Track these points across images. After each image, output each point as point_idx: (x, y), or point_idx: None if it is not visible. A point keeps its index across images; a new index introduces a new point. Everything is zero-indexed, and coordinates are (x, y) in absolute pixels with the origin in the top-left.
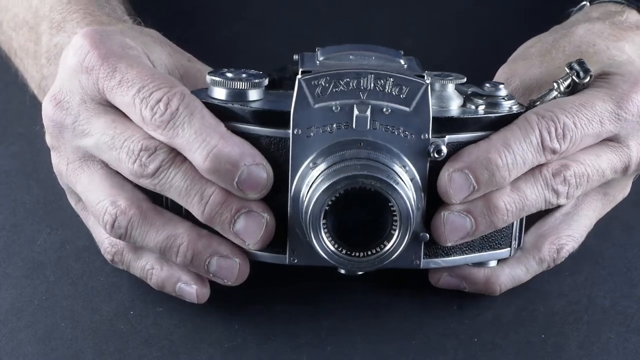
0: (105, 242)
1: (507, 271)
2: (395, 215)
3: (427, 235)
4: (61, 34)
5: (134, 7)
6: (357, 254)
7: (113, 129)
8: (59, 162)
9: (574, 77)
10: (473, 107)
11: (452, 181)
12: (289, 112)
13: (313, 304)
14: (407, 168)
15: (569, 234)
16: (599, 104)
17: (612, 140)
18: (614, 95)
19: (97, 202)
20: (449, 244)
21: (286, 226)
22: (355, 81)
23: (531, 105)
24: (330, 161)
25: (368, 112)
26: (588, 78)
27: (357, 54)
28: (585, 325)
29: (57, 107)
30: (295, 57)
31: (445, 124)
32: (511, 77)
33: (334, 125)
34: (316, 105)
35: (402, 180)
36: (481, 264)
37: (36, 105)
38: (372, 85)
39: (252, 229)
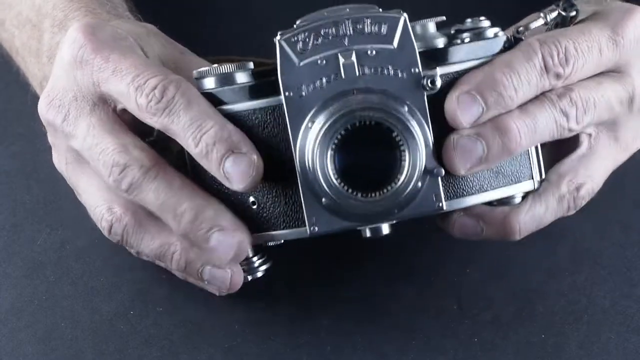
0: None
1: (525, 208)
2: (402, 145)
3: (442, 169)
4: (63, 32)
5: (135, 5)
6: (373, 194)
7: (92, 137)
8: (59, 161)
9: (560, 11)
10: (459, 41)
11: (460, 103)
12: (277, 79)
13: (313, 304)
14: (406, 107)
15: (587, 174)
16: (595, 31)
17: (613, 70)
18: (609, 22)
19: (95, 207)
20: (462, 172)
21: (299, 196)
22: (334, 29)
23: (518, 33)
24: (327, 115)
25: (353, 58)
26: (574, 12)
27: (331, 10)
28: (585, 325)
29: (49, 106)
30: (279, 33)
31: (433, 56)
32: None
33: (324, 79)
34: (301, 63)
35: (404, 114)
36: (505, 203)
37: (37, 104)
38: (351, 30)
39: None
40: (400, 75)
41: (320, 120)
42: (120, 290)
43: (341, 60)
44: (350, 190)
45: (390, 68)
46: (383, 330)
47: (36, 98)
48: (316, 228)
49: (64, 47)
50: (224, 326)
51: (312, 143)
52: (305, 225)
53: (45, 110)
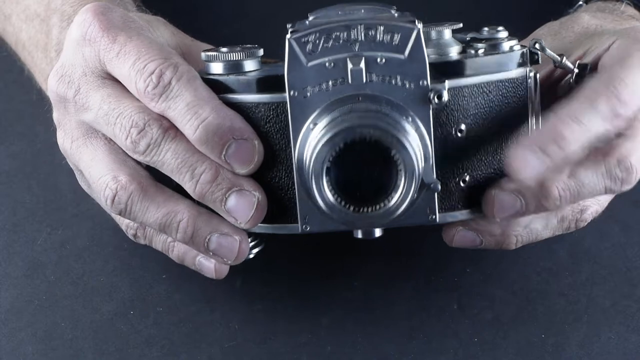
0: (126, 219)
1: (524, 222)
2: (399, 165)
3: (439, 184)
4: None
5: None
6: (365, 209)
7: (108, 104)
8: (64, 140)
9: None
10: (473, 51)
11: (518, 158)
12: (283, 75)
13: (313, 304)
14: (410, 118)
15: (595, 198)
16: (636, 62)
17: None
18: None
19: (98, 177)
20: (498, 220)
21: (294, 193)
22: (345, 33)
23: (535, 47)
24: (329, 119)
25: (362, 65)
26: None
27: (346, 9)
28: (585, 325)
29: (60, 81)
30: (289, 25)
31: (443, 69)
32: None
33: (330, 82)
34: (309, 64)
35: (404, 129)
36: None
37: (43, 101)
38: (363, 36)
39: (243, 208)
40: (407, 86)
41: (322, 124)
42: (120, 290)
43: (349, 65)
44: (343, 203)
45: (398, 78)
46: (383, 330)
47: (42, 93)
48: (308, 227)
49: (74, 25)
50: (224, 326)
51: (310, 149)
52: (297, 222)
53: (55, 85)
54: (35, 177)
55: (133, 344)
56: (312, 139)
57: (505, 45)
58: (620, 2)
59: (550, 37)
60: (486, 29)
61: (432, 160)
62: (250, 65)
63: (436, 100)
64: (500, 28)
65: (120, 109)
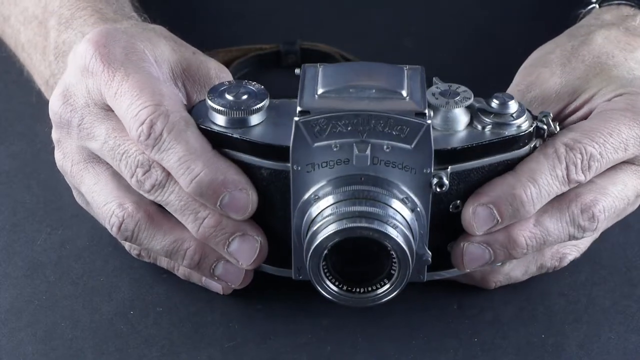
0: None
1: (505, 270)
2: (394, 261)
3: (430, 256)
4: (69, 31)
5: (140, 4)
6: (358, 289)
7: (113, 139)
8: (63, 162)
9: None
10: (479, 127)
11: (476, 215)
12: (288, 147)
13: (313, 304)
14: (409, 200)
15: (574, 244)
16: (625, 131)
17: (633, 163)
18: (639, 119)
19: (103, 204)
20: (468, 271)
21: (290, 244)
22: (355, 121)
23: (541, 121)
24: (331, 199)
25: (368, 151)
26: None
27: (358, 86)
28: (585, 325)
29: (65, 104)
30: (297, 71)
31: (447, 156)
32: (531, 85)
33: (334, 161)
34: (315, 144)
35: (402, 220)
36: None
37: (43, 102)
38: (372, 125)
39: (245, 251)
40: (410, 172)
41: (322, 203)
42: (120, 290)
43: (355, 151)
44: (337, 283)
45: (402, 164)
46: (383, 330)
47: (41, 96)
48: (301, 277)
49: (77, 54)
50: (224, 326)
51: (309, 225)
52: (291, 269)
53: (59, 107)
54: (35, 177)
55: (133, 344)
56: (311, 213)
57: (513, 125)
58: (634, 7)
59: (560, 67)
60: (495, 100)
61: (426, 236)
62: (255, 119)
63: (438, 188)
64: (510, 102)
65: (125, 146)
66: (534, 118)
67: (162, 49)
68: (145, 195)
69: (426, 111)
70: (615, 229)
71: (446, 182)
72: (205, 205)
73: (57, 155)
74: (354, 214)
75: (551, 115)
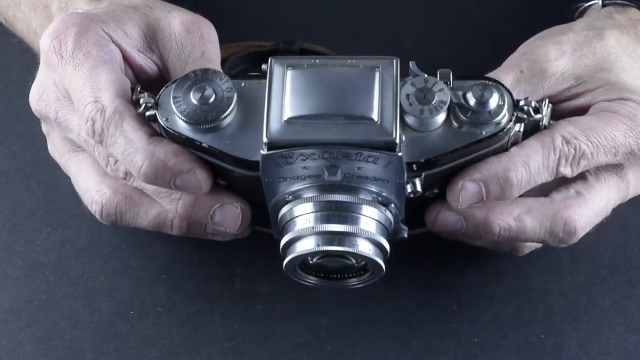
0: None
1: (518, 217)
2: (368, 268)
3: (406, 232)
4: None
5: None
6: (334, 276)
7: (85, 131)
8: (53, 153)
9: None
10: (456, 124)
11: (464, 190)
12: (258, 162)
13: (313, 304)
14: (382, 197)
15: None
16: (619, 137)
17: (617, 172)
18: (636, 130)
19: (85, 192)
20: (436, 230)
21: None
22: (324, 153)
23: (522, 111)
24: (305, 208)
25: (338, 174)
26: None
27: (326, 115)
28: (585, 325)
29: (40, 100)
30: (264, 66)
31: (420, 166)
32: (539, 58)
33: (306, 176)
34: (285, 167)
35: (373, 227)
36: None
37: None
38: (341, 156)
39: (228, 219)
40: (384, 182)
41: (296, 209)
42: (120, 290)
43: (326, 172)
44: (312, 274)
45: (374, 177)
46: (383, 330)
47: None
48: (280, 237)
49: (41, 48)
50: (224, 326)
51: (284, 222)
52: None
53: (36, 104)
54: (35, 177)
55: (133, 344)
56: (286, 215)
57: (491, 123)
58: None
59: (570, 50)
60: (473, 97)
61: (402, 214)
62: (225, 121)
63: (412, 195)
64: (491, 100)
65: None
66: (515, 106)
67: (131, 21)
68: (122, 182)
69: (397, 140)
70: (615, 229)
71: (420, 189)
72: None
73: (49, 148)
74: (327, 233)
75: (533, 104)
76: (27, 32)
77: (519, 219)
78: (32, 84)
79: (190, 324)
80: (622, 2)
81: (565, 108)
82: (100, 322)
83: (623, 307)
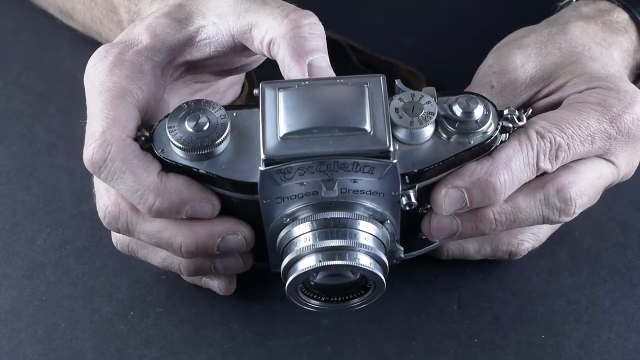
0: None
1: (458, 242)
2: (369, 285)
3: (402, 252)
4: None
5: None
6: (335, 299)
7: (86, 163)
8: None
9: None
10: (444, 136)
11: (447, 197)
12: (256, 183)
13: None
14: (378, 214)
15: (534, 232)
16: (593, 124)
17: (603, 158)
18: (609, 115)
19: (99, 198)
20: (436, 241)
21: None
22: (321, 166)
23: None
24: (303, 228)
25: (335, 187)
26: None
27: (321, 128)
28: (585, 325)
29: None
30: (255, 91)
31: (414, 177)
32: (506, 68)
33: (303, 194)
34: (283, 184)
35: (372, 242)
36: None
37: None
38: (338, 168)
39: (235, 246)
40: (379, 196)
41: (295, 230)
42: (120, 290)
43: (323, 187)
44: (314, 297)
45: (370, 191)
46: (383, 330)
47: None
48: (278, 269)
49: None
50: (224, 326)
51: (283, 245)
52: (269, 263)
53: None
54: (35, 177)
55: (133, 345)
56: (285, 237)
57: (478, 132)
58: (612, 3)
59: (536, 51)
60: (459, 108)
61: (397, 234)
62: (220, 148)
63: (407, 207)
64: (476, 110)
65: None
66: (500, 115)
67: (162, 31)
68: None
69: (391, 148)
70: (615, 229)
71: (414, 201)
72: (175, 234)
73: None
74: (328, 249)
75: (516, 112)
76: (90, 21)
77: (511, 200)
78: (31, 85)
79: (190, 324)
80: None
81: (539, 107)
82: (100, 322)
83: (623, 307)
